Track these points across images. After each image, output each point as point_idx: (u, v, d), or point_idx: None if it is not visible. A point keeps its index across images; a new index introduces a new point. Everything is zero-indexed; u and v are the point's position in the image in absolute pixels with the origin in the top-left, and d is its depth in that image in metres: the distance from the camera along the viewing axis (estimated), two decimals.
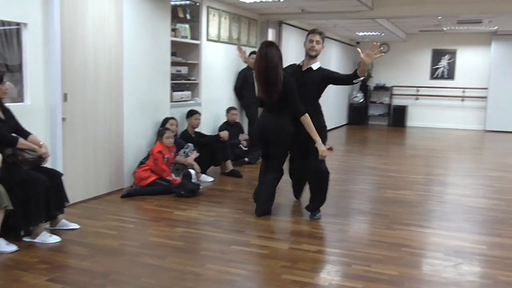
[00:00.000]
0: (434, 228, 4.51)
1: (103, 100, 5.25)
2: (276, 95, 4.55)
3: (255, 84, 7.96)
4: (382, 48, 4.95)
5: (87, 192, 5.15)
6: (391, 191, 5.91)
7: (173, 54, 6.51)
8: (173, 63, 6.51)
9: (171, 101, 6.45)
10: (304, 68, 4.80)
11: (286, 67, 4.89)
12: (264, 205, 4.77)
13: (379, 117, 14.41)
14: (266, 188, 4.80)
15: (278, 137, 4.67)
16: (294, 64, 5.05)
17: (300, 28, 9.92)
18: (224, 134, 6.58)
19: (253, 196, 5.08)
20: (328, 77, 4.76)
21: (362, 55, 4.40)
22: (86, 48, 4.98)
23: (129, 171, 5.73)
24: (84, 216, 4.58)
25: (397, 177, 6.77)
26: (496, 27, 11.50)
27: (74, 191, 4.81)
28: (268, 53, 4.53)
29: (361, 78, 4.61)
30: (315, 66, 4.77)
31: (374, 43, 4.43)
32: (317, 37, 4.69)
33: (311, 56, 4.76)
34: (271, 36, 9.15)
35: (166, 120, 6.05)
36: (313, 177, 4.76)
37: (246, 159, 7.40)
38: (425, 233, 4.36)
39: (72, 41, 4.79)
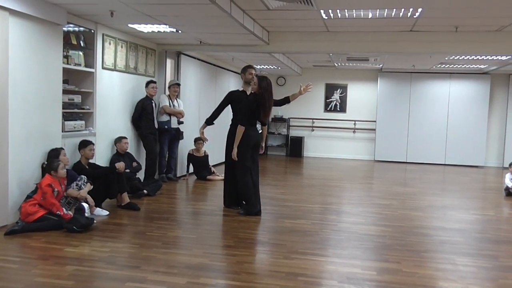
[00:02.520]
0: (328, 256, 4.66)
1: None
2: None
3: (154, 114, 7.96)
4: (311, 86, 6.74)
5: None
6: (288, 221, 6.03)
7: (65, 82, 6.23)
8: (65, 92, 6.22)
9: (63, 131, 6.13)
10: (248, 93, 6.46)
11: (234, 92, 6.71)
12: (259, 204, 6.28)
13: (278, 148, 14.80)
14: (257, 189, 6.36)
15: (260, 144, 6.52)
16: (237, 90, 6.74)
17: (198, 59, 10.00)
18: (120, 165, 6.35)
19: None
20: None
21: (301, 89, 6.50)
22: None
23: (14, 206, 5.31)
24: None
25: (294, 207, 6.94)
26: (381, 65, 12.44)
27: None
28: (270, 85, 6.25)
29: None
30: (253, 90, 6.33)
31: (310, 83, 6.65)
32: (254, 71, 6.57)
33: (249, 84, 6.44)
34: (169, 66, 9.12)
35: (53, 151, 5.71)
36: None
37: (145, 191, 7.19)
38: (320, 261, 4.48)
39: None
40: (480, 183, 10.63)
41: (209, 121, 6.75)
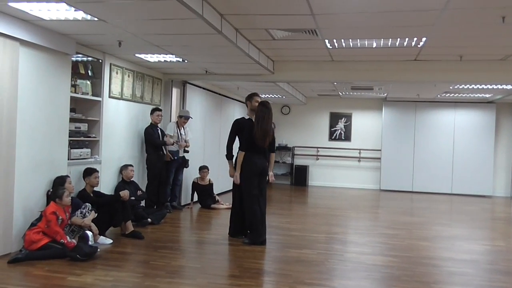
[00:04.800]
0: (335, 287, 4.58)
1: None
2: (269, 142, 6.32)
3: (160, 138, 7.94)
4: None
5: None
6: (294, 250, 5.96)
7: (72, 110, 6.28)
8: (72, 120, 6.26)
9: (69, 159, 6.14)
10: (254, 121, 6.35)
11: (239, 120, 6.64)
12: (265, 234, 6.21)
13: (282, 177, 14.73)
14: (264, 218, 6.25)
15: (267, 173, 6.47)
16: (242, 118, 6.67)
17: (204, 88, 10.08)
18: (125, 193, 6.34)
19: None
20: None
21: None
22: None
23: (18, 234, 5.28)
24: None
25: (299, 236, 6.86)
26: (386, 94, 12.48)
27: None
28: (271, 111, 6.23)
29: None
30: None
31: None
32: (260, 99, 6.47)
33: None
34: (175, 95, 9.19)
35: (59, 179, 5.70)
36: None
37: (149, 219, 7.14)
38: None
39: None
40: (488, 213, 10.51)
41: (229, 156, 6.56)
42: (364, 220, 8.79)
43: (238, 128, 6.52)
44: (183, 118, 8.58)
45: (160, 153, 8.02)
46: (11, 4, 4.52)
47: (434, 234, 7.41)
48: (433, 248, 6.44)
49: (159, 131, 8.07)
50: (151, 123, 7.99)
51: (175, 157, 8.40)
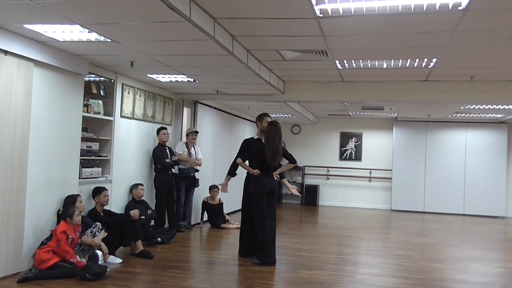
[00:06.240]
0: None
1: (3, 177, 4.90)
2: (279, 160, 6.36)
3: (169, 161, 7.99)
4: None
5: None
6: (304, 271, 5.91)
7: (84, 129, 6.34)
8: (84, 139, 6.32)
9: (80, 178, 6.18)
10: (264, 140, 6.37)
11: (248, 139, 6.69)
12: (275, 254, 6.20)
13: (292, 196, 14.59)
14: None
15: (276, 192, 6.41)
16: (252, 138, 6.69)
17: (214, 108, 10.13)
18: (135, 212, 6.34)
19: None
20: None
21: (292, 191, 6.76)
22: None
23: (28, 252, 5.29)
24: None
25: (310, 257, 6.80)
26: (396, 114, 12.46)
27: None
28: (280, 130, 6.27)
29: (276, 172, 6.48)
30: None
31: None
32: (270, 119, 6.51)
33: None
34: (186, 114, 9.25)
35: (70, 198, 5.73)
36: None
37: (159, 239, 7.13)
38: None
39: None
40: (501, 234, 10.36)
41: (232, 173, 6.60)
42: (375, 241, 8.70)
43: (247, 147, 6.54)
44: (191, 134, 8.61)
45: (168, 173, 8.03)
46: (26, 26, 4.61)
47: (447, 256, 7.31)
48: (446, 270, 6.35)
49: (168, 150, 8.08)
50: (158, 143, 8.02)
51: (192, 174, 8.44)
